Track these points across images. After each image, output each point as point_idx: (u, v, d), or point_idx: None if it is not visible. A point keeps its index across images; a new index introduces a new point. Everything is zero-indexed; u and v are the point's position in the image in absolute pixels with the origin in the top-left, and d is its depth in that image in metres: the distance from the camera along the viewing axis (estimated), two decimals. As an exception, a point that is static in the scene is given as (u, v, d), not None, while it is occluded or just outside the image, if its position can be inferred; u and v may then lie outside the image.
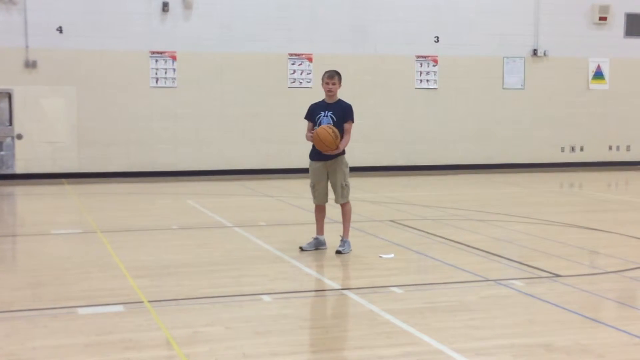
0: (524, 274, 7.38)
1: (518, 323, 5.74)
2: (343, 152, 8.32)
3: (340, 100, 8.32)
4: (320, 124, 8.15)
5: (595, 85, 20.62)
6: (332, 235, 8.66)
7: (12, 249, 9.37)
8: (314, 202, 8.49)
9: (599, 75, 20.59)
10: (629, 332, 5.46)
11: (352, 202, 8.51)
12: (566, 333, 5.44)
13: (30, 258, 8.46)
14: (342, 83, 8.34)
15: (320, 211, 8.50)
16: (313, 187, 8.43)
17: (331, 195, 8.44)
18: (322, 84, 8.31)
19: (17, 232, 10.63)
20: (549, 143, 20.36)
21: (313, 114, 8.31)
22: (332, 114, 8.18)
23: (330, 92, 8.24)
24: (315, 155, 8.31)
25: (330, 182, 8.34)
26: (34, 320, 5.74)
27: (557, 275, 7.25)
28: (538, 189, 15.64)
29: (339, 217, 8.57)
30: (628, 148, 20.99)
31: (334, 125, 8.09)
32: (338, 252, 8.26)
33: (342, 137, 8.10)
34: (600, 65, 20.56)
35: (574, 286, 6.85)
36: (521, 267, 7.68)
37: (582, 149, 20.67)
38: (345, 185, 8.30)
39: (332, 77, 8.22)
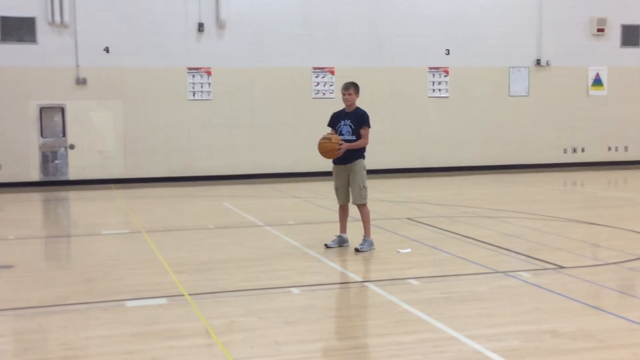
0: (530, 266, 7.33)
1: (525, 311, 5.70)
2: (362, 157, 8.31)
3: (357, 109, 8.29)
4: (340, 132, 8.21)
5: (595, 92, 20.42)
6: (353, 234, 8.65)
7: (66, 248, 9.47)
8: (338, 203, 8.49)
9: (597, 82, 20.38)
10: (628, 318, 5.40)
11: (372, 202, 8.48)
12: (570, 320, 5.39)
13: (83, 256, 8.54)
14: (359, 92, 8.33)
15: (343, 211, 8.48)
16: (337, 190, 8.45)
17: None
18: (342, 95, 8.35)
19: (71, 232, 10.74)
20: (552, 145, 20.19)
21: (334, 122, 8.36)
22: (351, 122, 8.20)
23: (347, 102, 8.26)
24: (337, 159, 8.33)
25: (350, 184, 8.33)
26: (86, 313, 5.80)
27: (561, 267, 7.18)
28: (543, 188, 15.50)
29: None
30: (626, 149, 20.74)
31: (352, 131, 8.15)
32: (357, 250, 8.18)
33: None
34: (599, 73, 20.34)
35: (577, 277, 6.79)
36: (528, 260, 7.62)
37: (583, 150, 20.46)
38: (363, 186, 8.26)
39: (348, 88, 8.23)
